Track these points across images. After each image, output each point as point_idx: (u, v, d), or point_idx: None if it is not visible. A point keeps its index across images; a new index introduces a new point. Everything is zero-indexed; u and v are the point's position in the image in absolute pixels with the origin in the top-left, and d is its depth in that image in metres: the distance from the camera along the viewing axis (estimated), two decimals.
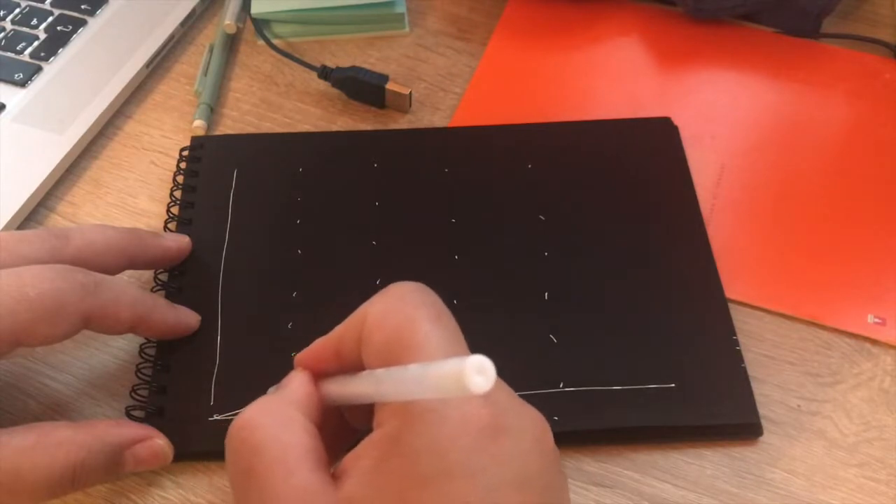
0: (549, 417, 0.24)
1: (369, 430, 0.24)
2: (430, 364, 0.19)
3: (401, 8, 0.48)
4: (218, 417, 0.33)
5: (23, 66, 0.45)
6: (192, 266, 0.37)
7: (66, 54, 0.46)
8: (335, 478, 0.23)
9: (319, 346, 0.27)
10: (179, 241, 0.37)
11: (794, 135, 0.43)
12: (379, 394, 0.23)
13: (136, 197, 0.41)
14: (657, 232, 0.38)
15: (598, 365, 0.33)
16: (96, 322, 0.30)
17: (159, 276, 0.37)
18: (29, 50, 0.46)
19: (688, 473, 0.32)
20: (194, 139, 0.42)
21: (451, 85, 0.46)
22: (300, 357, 0.27)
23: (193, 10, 0.49)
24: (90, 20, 0.48)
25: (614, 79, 0.46)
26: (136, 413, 0.33)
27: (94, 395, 0.34)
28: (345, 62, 0.46)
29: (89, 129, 0.43)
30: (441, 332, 0.23)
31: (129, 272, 0.37)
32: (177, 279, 0.37)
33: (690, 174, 0.40)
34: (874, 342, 0.35)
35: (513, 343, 0.34)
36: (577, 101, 0.45)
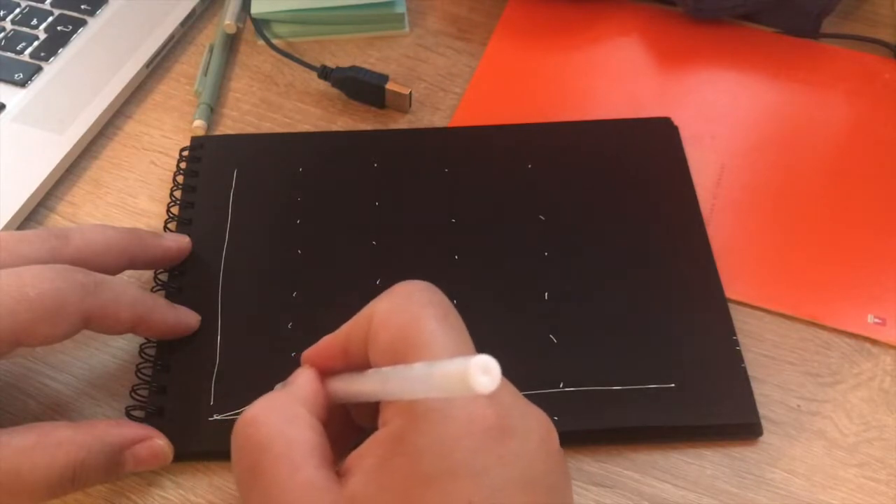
0: (548, 417, 0.24)
1: (375, 429, 0.24)
2: (435, 363, 0.19)
3: (401, 8, 0.48)
4: (218, 417, 0.33)
5: (23, 66, 0.45)
6: (192, 266, 0.37)
7: (66, 54, 0.46)
8: (340, 475, 0.23)
9: (326, 344, 0.27)
10: (179, 241, 0.37)
11: (794, 135, 0.43)
12: (384, 392, 0.23)
13: (136, 197, 0.41)
14: (657, 232, 0.38)
15: (598, 365, 0.33)
16: (96, 322, 0.30)
17: (159, 276, 0.37)
18: (29, 50, 0.46)
19: (688, 473, 0.32)
20: (194, 139, 0.42)
21: (451, 85, 0.46)
22: (307, 354, 0.27)
23: (193, 10, 0.49)
24: (90, 20, 0.48)
25: (614, 79, 0.46)
26: (136, 413, 0.33)
27: (94, 395, 0.34)
28: (345, 62, 0.46)
29: (89, 129, 0.43)
30: (447, 332, 0.23)
31: (129, 272, 0.37)
32: (177, 279, 0.37)
33: (690, 174, 0.40)
34: (874, 342, 0.35)
35: (513, 343, 0.34)
36: (577, 101, 0.45)
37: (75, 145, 0.42)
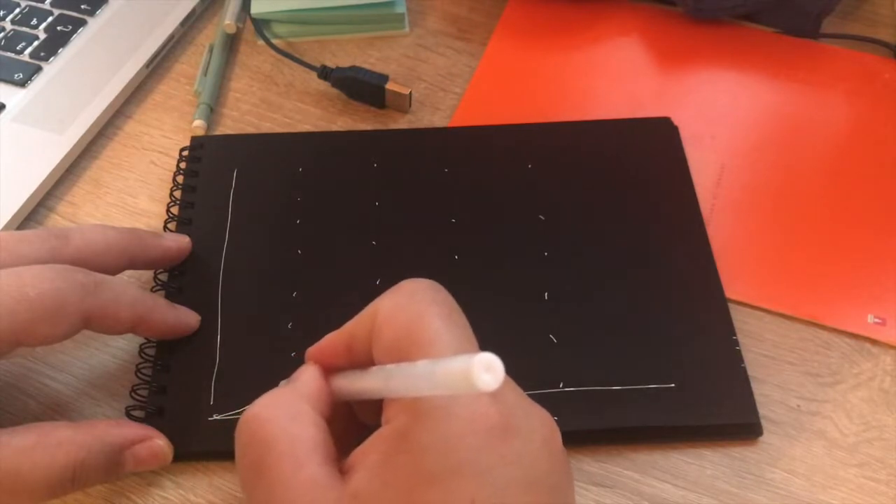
0: (552, 417, 0.24)
1: (378, 426, 0.24)
2: (438, 361, 0.19)
3: (401, 8, 0.48)
4: (218, 417, 0.33)
5: (23, 66, 0.45)
6: (192, 266, 0.37)
7: (66, 54, 0.46)
8: (343, 472, 0.23)
9: (330, 341, 0.27)
10: (179, 241, 0.37)
11: (794, 135, 0.43)
12: (388, 389, 0.23)
13: (136, 197, 0.41)
14: (657, 232, 0.38)
15: (598, 365, 0.33)
16: (96, 322, 0.30)
17: (159, 276, 0.37)
18: (29, 50, 0.46)
19: (688, 473, 0.32)
20: (194, 139, 0.42)
21: (451, 85, 0.46)
22: (311, 351, 0.27)
23: (193, 10, 0.49)
24: (90, 20, 0.48)
25: (614, 79, 0.46)
26: (136, 413, 0.33)
27: (94, 395, 0.34)
28: (345, 62, 0.46)
29: (89, 129, 0.43)
30: (451, 330, 0.23)
31: (129, 272, 0.37)
32: (177, 279, 0.37)
33: (690, 174, 0.40)
34: (874, 342, 0.35)
35: (513, 343, 0.34)
36: (577, 101, 0.45)
37: (75, 145, 0.42)
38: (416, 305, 0.24)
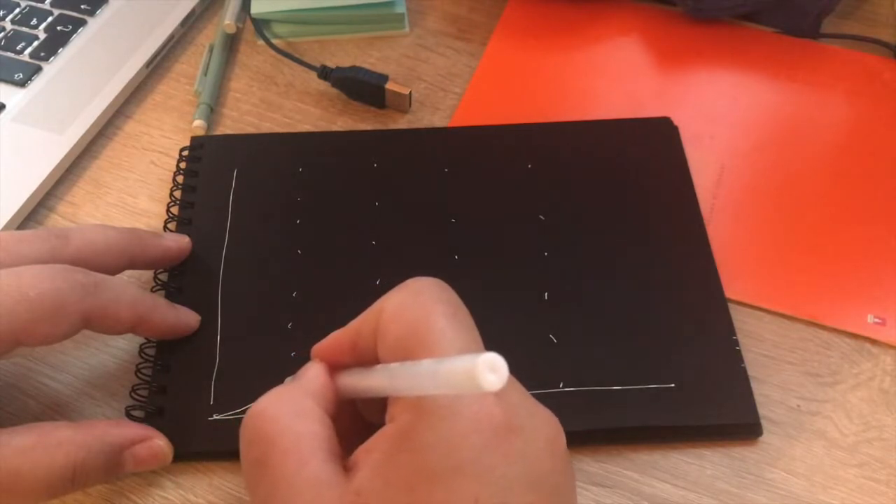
0: (556, 418, 0.24)
1: (383, 424, 0.24)
2: (443, 360, 0.19)
3: (401, 8, 0.48)
4: (218, 417, 0.33)
5: (23, 66, 0.45)
6: (192, 266, 0.37)
7: (66, 54, 0.46)
8: (347, 470, 0.23)
9: (336, 338, 0.27)
10: (179, 241, 0.37)
11: (794, 135, 0.43)
12: (392, 388, 0.23)
13: (136, 197, 0.41)
14: (657, 232, 0.38)
15: (598, 365, 0.33)
16: (96, 322, 0.30)
17: (159, 276, 0.37)
18: (29, 50, 0.46)
19: (688, 473, 0.32)
20: (194, 139, 0.42)
21: (451, 85, 0.46)
22: (317, 348, 0.27)
23: (193, 10, 0.49)
24: (90, 20, 0.48)
25: (614, 79, 0.46)
26: (136, 413, 0.33)
27: (93, 395, 0.34)
28: (345, 62, 0.46)
29: (89, 129, 0.43)
30: (456, 329, 0.23)
31: (129, 272, 0.37)
32: (177, 279, 0.37)
33: (690, 174, 0.40)
34: (874, 342, 0.35)
35: (513, 343, 0.34)
36: (577, 101, 0.45)
37: (75, 145, 0.42)
38: (421, 304, 0.24)
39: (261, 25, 0.47)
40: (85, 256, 0.32)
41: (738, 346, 0.34)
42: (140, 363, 0.34)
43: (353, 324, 0.26)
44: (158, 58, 0.47)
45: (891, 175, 0.41)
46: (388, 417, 0.23)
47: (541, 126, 0.42)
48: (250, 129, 0.44)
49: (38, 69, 0.45)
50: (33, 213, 0.41)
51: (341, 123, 0.44)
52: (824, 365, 0.35)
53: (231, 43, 0.48)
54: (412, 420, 0.22)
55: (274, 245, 0.38)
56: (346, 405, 0.27)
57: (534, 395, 0.32)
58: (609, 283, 0.36)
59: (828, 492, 0.32)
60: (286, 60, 0.47)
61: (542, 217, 0.38)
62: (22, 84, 0.44)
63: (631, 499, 0.31)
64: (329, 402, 0.26)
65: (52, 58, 0.46)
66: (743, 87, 0.45)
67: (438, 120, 0.44)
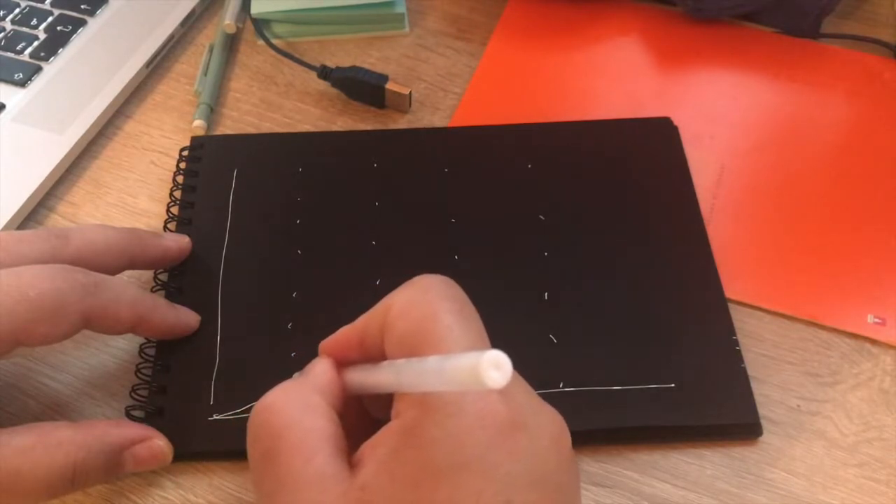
0: (562, 417, 0.24)
1: (388, 421, 0.24)
2: (448, 357, 0.19)
3: (401, 8, 0.48)
4: (218, 417, 0.33)
5: (23, 66, 0.45)
6: (192, 266, 0.37)
7: (66, 54, 0.46)
8: (352, 466, 0.23)
9: (343, 335, 0.27)
10: (179, 241, 0.37)
11: (794, 135, 0.43)
12: (398, 384, 0.23)
13: (136, 197, 0.41)
14: (657, 232, 0.38)
15: (598, 365, 0.33)
16: (96, 322, 0.30)
17: (159, 276, 0.37)
18: (29, 50, 0.46)
19: (688, 473, 0.32)
20: (194, 139, 0.42)
21: (451, 85, 0.46)
22: (324, 344, 0.27)
23: (193, 10, 0.49)
24: (90, 20, 0.48)
25: (614, 79, 0.46)
26: (136, 413, 0.33)
27: (93, 395, 0.34)
28: (345, 62, 0.46)
29: (89, 129, 0.43)
30: (463, 326, 0.23)
31: (129, 272, 0.37)
32: (177, 279, 0.37)
33: (690, 174, 0.40)
34: (874, 342, 0.35)
35: (513, 343, 0.34)
36: (577, 101, 0.45)
37: (75, 145, 0.42)
38: (428, 301, 0.24)
39: (261, 25, 0.47)
40: (85, 256, 0.32)
41: (738, 346, 0.34)
42: (140, 363, 0.34)
43: (361, 320, 0.26)
44: (158, 58, 0.47)
45: (891, 175, 0.41)
46: (393, 413, 0.23)
47: (541, 126, 0.42)
48: (250, 129, 0.44)
49: (38, 69, 0.45)
50: (33, 213, 0.41)
51: (341, 123, 0.44)
52: (824, 365, 0.35)
53: (231, 43, 0.48)
54: (418, 416, 0.22)
55: (274, 245, 0.38)
56: (352, 401, 0.27)
57: None
58: (609, 283, 0.36)
59: (828, 492, 0.32)
60: (286, 60, 0.47)
61: (542, 217, 0.38)
62: (22, 84, 0.44)
63: (631, 499, 0.31)
64: (336, 397, 0.26)
65: (52, 58, 0.46)
66: (743, 87, 0.45)
67: (438, 120, 0.44)
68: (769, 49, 0.47)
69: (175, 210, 0.39)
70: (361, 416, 0.28)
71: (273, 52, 0.47)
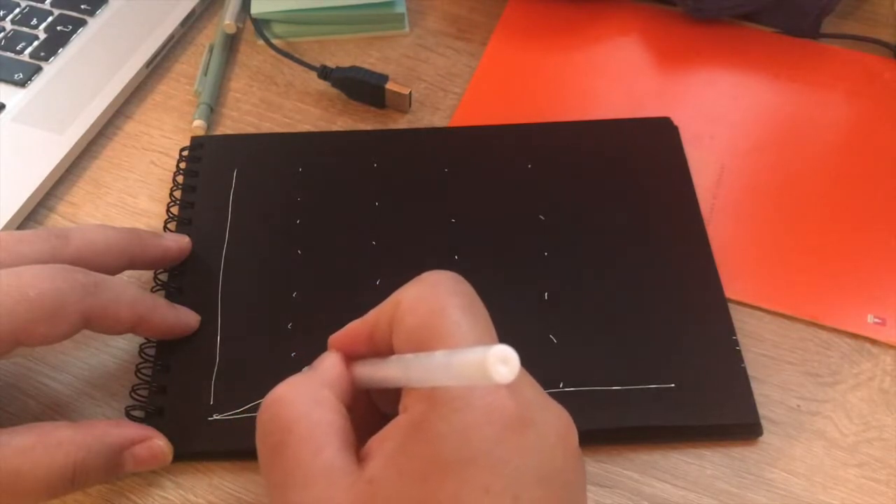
0: (570, 416, 0.24)
1: (397, 415, 0.24)
2: (455, 351, 0.19)
3: (401, 8, 0.48)
4: (218, 417, 0.33)
5: (23, 66, 0.45)
6: (192, 266, 0.37)
7: (66, 54, 0.46)
8: (360, 459, 0.23)
9: (353, 329, 0.27)
10: (179, 242, 0.37)
11: (794, 135, 0.43)
12: (406, 378, 0.23)
13: (136, 197, 0.41)
14: (657, 232, 0.38)
15: (598, 365, 0.33)
16: (96, 322, 0.30)
17: (159, 276, 0.37)
18: (29, 50, 0.46)
19: (688, 473, 0.32)
20: (194, 139, 0.42)
21: (451, 85, 0.46)
22: (333, 339, 0.28)
23: (193, 10, 0.49)
24: (90, 20, 0.48)
25: (614, 79, 0.46)
26: (136, 413, 0.33)
27: (93, 395, 0.34)
28: (345, 62, 0.46)
29: (89, 129, 0.43)
30: (471, 322, 0.24)
31: (129, 272, 0.37)
32: (177, 279, 0.37)
33: (690, 174, 0.40)
34: (874, 342, 0.35)
35: (512, 343, 0.34)
36: (577, 101, 0.45)
37: (75, 145, 0.42)
38: (437, 296, 0.24)
39: (261, 25, 0.47)
40: (85, 256, 0.32)
41: (738, 346, 0.34)
42: (140, 363, 0.34)
43: (370, 315, 0.26)
44: (158, 58, 0.47)
45: (891, 175, 0.41)
46: (401, 408, 0.24)
47: (541, 126, 0.42)
48: (250, 129, 0.44)
49: (38, 69, 0.45)
50: (33, 213, 0.41)
51: (341, 123, 0.44)
52: (824, 365, 0.35)
53: (231, 43, 0.48)
54: (425, 410, 0.22)
55: (274, 245, 0.38)
56: (361, 396, 0.27)
57: None
58: (609, 284, 0.36)
59: (828, 492, 0.32)
60: (286, 60, 0.47)
61: (542, 217, 0.38)
62: (22, 84, 0.44)
63: (631, 499, 0.31)
64: (345, 391, 0.26)
65: (52, 58, 0.46)
66: (743, 87, 0.45)
67: (438, 120, 0.44)
68: (769, 49, 0.47)
69: (175, 210, 0.39)
70: (370, 411, 0.28)
71: (273, 52, 0.47)
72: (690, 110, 0.44)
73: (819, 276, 0.37)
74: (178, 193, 0.40)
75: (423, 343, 0.23)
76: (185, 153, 0.42)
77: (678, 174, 0.40)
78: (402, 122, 0.44)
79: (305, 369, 0.28)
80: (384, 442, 0.23)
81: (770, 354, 0.35)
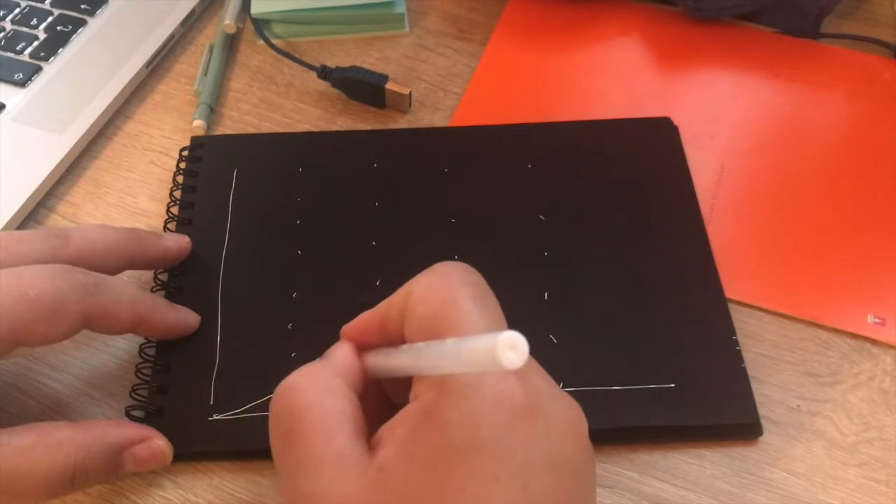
0: (580, 407, 0.24)
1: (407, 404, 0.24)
2: (465, 339, 0.19)
3: (401, 8, 0.48)
4: (218, 417, 0.33)
5: (23, 66, 0.45)
6: (192, 266, 0.37)
7: (66, 54, 0.46)
8: (371, 448, 0.24)
9: (365, 319, 0.27)
10: (179, 242, 0.37)
11: (793, 135, 0.43)
12: (417, 366, 0.23)
13: (136, 197, 0.41)
14: (657, 232, 0.38)
15: (598, 365, 0.33)
16: (96, 322, 0.30)
17: (159, 276, 0.37)
18: (29, 50, 0.46)
19: (688, 473, 0.32)
20: (194, 139, 0.42)
21: (451, 85, 0.46)
22: (346, 329, 0.28)
23: (193, 10, 0.49)
24: (90, 20, 0.48)
25: (614, 79, 0.46)
26: (136, 413, 0.33)
27: (93, 395, 0.34)
28: (345, 62, 0.46)
29: (89, 129, 0.43)
30: (481, 311, 0.24)
31: (129, 272, 0.37)
32: (177, 279, 0.37)
33: (690, 174, 0.40)
34: (874, 342, 0.35)
35: None
36: (577, 101, 0.45)
37: (75, 145, 0.42)
38: (448, 286, 0.24)
39: (261, 25, 0.47)
40: (85, 256, 0.32)
41: (738, 346, 0.34)
42: (140, 363, 0.34)
43: (382, 305, 0.26)
44: (158, 58, 0.47)
45: (891, 175, 0.41)
46: (412, 396, 0.24)
47: (541, 126, 0.42)
48: (250, 129, 0.44)
49: (38, 69, 0.45)
50: (33, 213, 0.41)
51: (341, 123, 0.44)
52: (824, 365, 0.35)
53: (231, 43, 0.48)
54: (436, 398, 0.22)
55: (274, 245, 0.38)
56: (372, 386, 0.27)
57: None
58: (609, 283, 0.36)
59: (828, 492, 0.32)
60: (286, 60, 0.47)
61: (542, 217, 0.38)
62: (22, 84, 0.44)
63: (631, 499, 0.31)
64: (357, 381, 0.26)
65: (52, 58, 0.46)
66: (743, 87, 0.45)
67: (438, 120, 0.44)
68: (769, 49, 0.47)
69: (175, 210, 0.39)
70: (381, 401, 0.28)
71: (273, 52, 0.47)
72: (690, 110, 0.44)
73: (819, 276, 0.37)
74: (178, 193, 0.40)
75: (434, 332, 0.23)
76: (185, 153, 0.42)
77: (678, 174, 0.40)
78: (402, 122, 0.44)
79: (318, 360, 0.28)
80: (395, 430, 0.23)
81: (770, 354, 0.35)
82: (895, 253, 0.38)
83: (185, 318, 0.34)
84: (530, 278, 0.36)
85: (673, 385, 0.33)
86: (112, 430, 0.30)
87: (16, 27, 0.47)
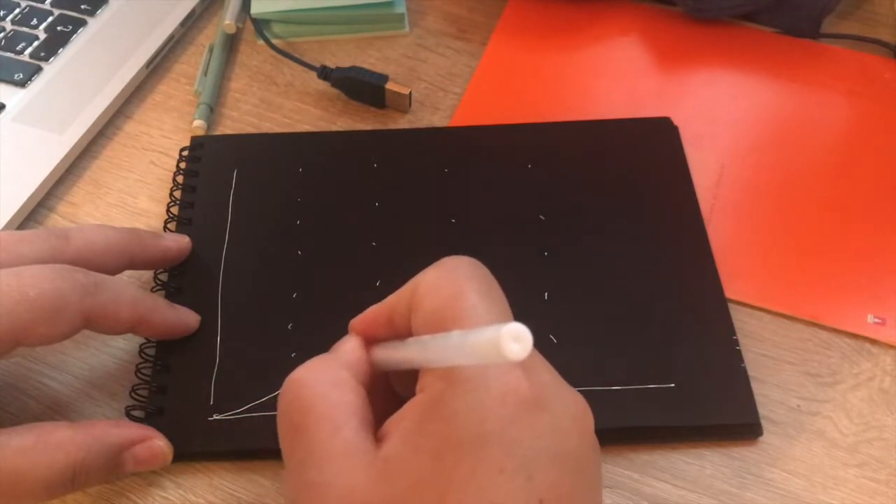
0: (586, 401, 0.24)
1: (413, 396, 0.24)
2: (471, 331, 0.20)
3: (401, 8, 0.48)
4: (218, 417, 0.33)
5: (23, 66, 0.45)
6: (192, 266, 0.37)
7: (66, 54, 0.46)
8: (378, 439, 0.24)
9: (372, 313, 0.27)
10: (179, 242, 0.37)
11: (793, 135, 0.43)
12: (424, 359, 0.23)
13: (136, 197, 0.41)
14: (657, 232, 0.38)
15: (598, 365, 0.33)
16: (96, 322, 0.30)
17: (159, 276, 0.37)
18: (29, 50, 0.46)
19: (688, 473, 0.32)
20: (194, 139, 0.42)
21: (451, 85, 0.46)
22: (354, 322, 0.28)
23: (193, 10, 0.49)
24: (90, 20, 0.48)
25: (614, 79, 0.46)
26: (136, 413, 0.33)
27: (93, 395, 0.34)
28: (345, 62, 0.46)
29: (89, 129, 0.43)
30: (488, 305, 0.24)
31: (129, 272, 0.37)
32: (177, 279, 0.37)
33: (690, 174, 0.40)
34: (874, 342, 0.35)
35: None
36: (577, 101, 0.45)
37: (75, 145, 0.42)
38: (455, 280, 0.24)
39: (261, 25, 0.47)
40: (85, 256, 0.32)
41: (738, 346, 0.34)
42: (140, 363, 0.34)
43: (389, 299, 0.26)
44: (158, 58, 0.47)
45: (891, 175, 0.41)
46: (418, 388, 0.24)
47: (541, 126, 0.42)
48: (250, 129, 0.44)
49: (38, 69, 0.45)
50: (33, 213, 0.41)
51: (341, 123, 0.44)
52: (824, 365, 0.35)
53: (231, 43, 0.48)
54: (442, 389, 0.23)
55: (274, 245, 0.38)
56: (379, 380, 0.27)
57: None
58: (609, 283, 0.36)
59: (828, 492, 0.32)
60: (286, 60, 0.47)
61: (542, 217, 0.38)
62: (22, 84, 0.44)
63: (631, 499, 0.31)
64: (364, 374, 0.26)
65: (52, 58, 0.46)
66: (743, 87, 0.45)
67: (438, 120, 0.44)
68: (769, 49, 0.47)
69: (175, 210, 0.39)
70: (388, 395, 0.28)
71: (273, 52, 0.47)
72: (690, 110, 0.44)
73: (819, 276, 0.37)
74: (178, 193, 0.40)
75: (440, 326, 0.23)
76: (185, 153, 0.42)
77: (678, 174, 0.40)
78: (402, 122, 0.44)
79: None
80: (401, 421, 0.23)
81: (770, 354, 0.35)
82: (895, 253, 0.38)
83: (185, 318, 0.34)
84: (530, 278, 0.36)
85: (673, 385, 0.33)
86: (112, 430, 0.30)
87: (16, 27, 0.47)
